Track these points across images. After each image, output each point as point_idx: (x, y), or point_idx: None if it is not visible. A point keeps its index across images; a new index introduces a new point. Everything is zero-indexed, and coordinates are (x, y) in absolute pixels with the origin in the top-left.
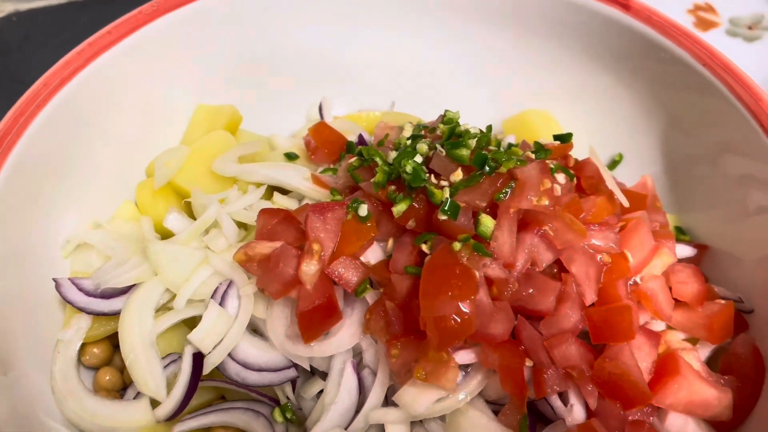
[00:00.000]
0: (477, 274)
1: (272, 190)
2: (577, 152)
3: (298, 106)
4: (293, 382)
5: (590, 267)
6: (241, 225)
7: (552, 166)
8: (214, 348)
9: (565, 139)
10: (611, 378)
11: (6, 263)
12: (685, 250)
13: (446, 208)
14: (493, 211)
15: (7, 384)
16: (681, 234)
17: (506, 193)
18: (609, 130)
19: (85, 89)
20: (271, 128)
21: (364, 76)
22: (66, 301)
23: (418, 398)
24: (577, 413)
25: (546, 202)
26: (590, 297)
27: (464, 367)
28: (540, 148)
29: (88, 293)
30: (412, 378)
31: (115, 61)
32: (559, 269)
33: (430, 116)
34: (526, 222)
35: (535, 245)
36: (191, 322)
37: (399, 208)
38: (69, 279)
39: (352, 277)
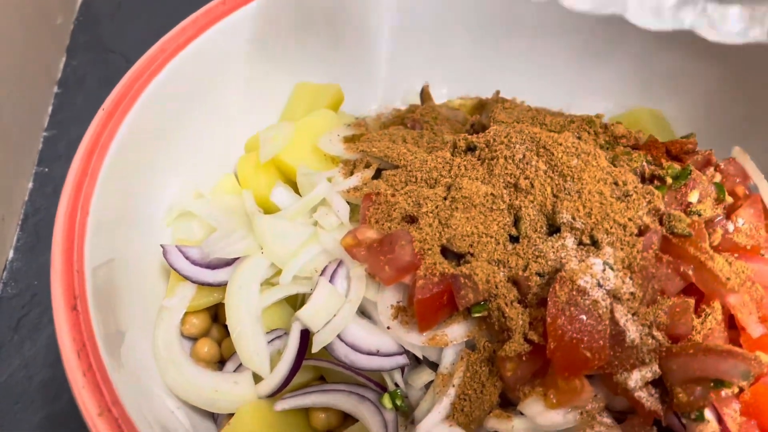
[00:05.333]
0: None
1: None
2: None
3: (393, 90)
4: (402, 369)
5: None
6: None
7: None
8: (323, 327)
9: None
10: (755, 399)
11: (115, 227)
12: None
13: None
14: None
15: (124, 355)
16: None
17: None
18: (719, 132)
19: (190, 64)
20: (366, 110)
21: (463, 61)
22: (173, 268)
23: (546, 413)
24: (711, 429)
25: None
26: (756, 331)
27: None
28: (680, 174)
29: (194, 262)
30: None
31: (219, 38)
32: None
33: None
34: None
35: (669, 277)
36: (291, 301)
37: None
38: (176, 246)
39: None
